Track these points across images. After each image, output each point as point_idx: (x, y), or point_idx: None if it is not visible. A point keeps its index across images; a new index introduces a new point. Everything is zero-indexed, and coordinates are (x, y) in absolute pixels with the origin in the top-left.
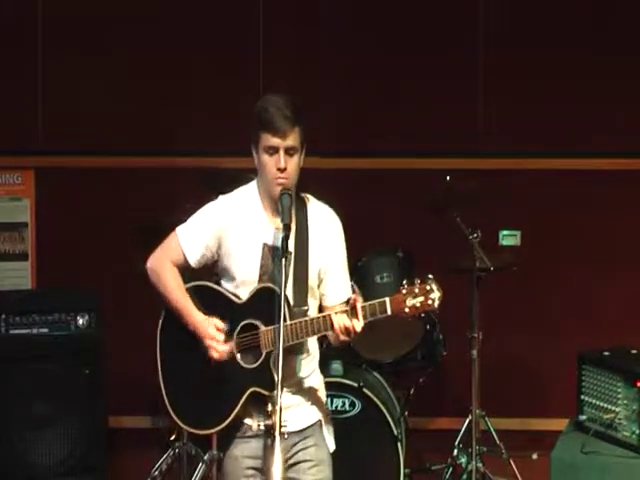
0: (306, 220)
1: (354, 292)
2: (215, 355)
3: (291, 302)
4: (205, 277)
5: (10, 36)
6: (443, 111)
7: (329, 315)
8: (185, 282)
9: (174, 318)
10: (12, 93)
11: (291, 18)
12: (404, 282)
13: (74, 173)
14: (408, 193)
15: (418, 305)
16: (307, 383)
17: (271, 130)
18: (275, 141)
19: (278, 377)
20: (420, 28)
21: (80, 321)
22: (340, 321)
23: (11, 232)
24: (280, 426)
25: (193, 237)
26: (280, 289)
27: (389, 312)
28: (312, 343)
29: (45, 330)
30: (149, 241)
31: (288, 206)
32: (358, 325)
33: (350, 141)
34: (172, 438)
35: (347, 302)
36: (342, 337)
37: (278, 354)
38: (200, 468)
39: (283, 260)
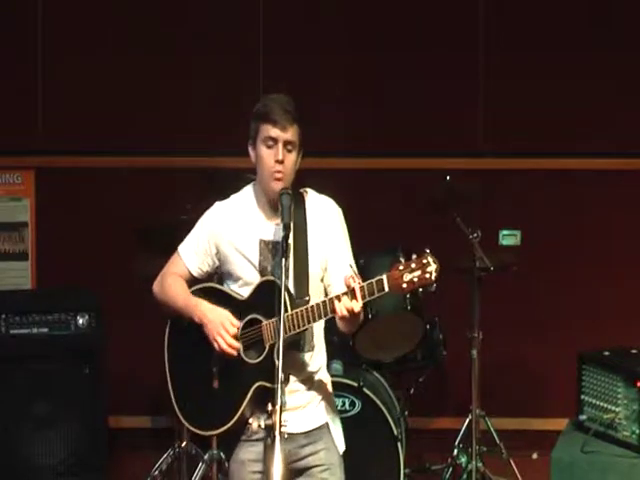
0: (304, 213)
1: (351, 277)
2: (224, 347)
3: (293, 294)
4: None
5: (10, 36)
6: (443, 111)
7: (329, 299)
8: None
9: (180, 324)
10: (12, 93)
11: (291, 18)
12: (400, 257)
13: (74, 173)
14: (408, 193)
15: (416, 280)
16: (313, 382)
17: (271, 121)
18: (275, 132)
19: (278, 376)
20: (420, 28)
21: (80, 321)
22: (342, 306)
23: (11, 232)
24: (280, 426)
25: (193, 248)
26: (281, 283)
27: (387, 289)
28: (317, 339)
29: (45, 330)
30: (149, 241)
31: (288, 205)
32: (357, 306)
33: (350, 141)
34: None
35: (347, 280)
36: (344, 320)
37: (278, 353)
38: (200, 468)
39: (283, 260)
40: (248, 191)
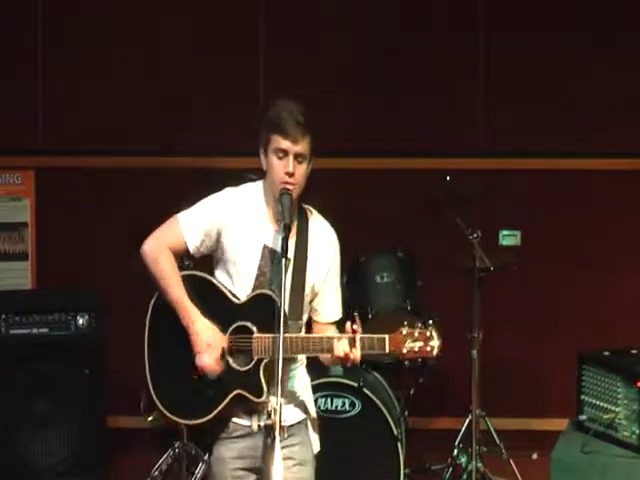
0: (307, 232)
1: (355, 322)
2: (206, 367)
3: (287, 313)
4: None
5: (9, 36)
6: (443, 111)
7: (331, 339)
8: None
9: (166, 304)
10: (12, 93)
11: (291, 18)
12: (405, 323)
13: (74, 173)
14: (408, 193)
15: (416, 350)
16: (293, 383)
17: (282, 133)
18: (286, 144)
19: (278, 378)
20: (420, 28)
21: (80, 321)
22: (341, 347)
23: (11, 232)
24: (280, 426)
25: (195, 224)
26: (280, 291)
27: (387, 350)
28: None
29: (45, 330)
30: None
31: (288, 206)
32: (356, 353)
33: (350, 141)
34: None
35: (351, 327)
36: (338, 362)
37: (278, 358)
38: (200, 468)
39: (283, 260)
40: (258, 188)
